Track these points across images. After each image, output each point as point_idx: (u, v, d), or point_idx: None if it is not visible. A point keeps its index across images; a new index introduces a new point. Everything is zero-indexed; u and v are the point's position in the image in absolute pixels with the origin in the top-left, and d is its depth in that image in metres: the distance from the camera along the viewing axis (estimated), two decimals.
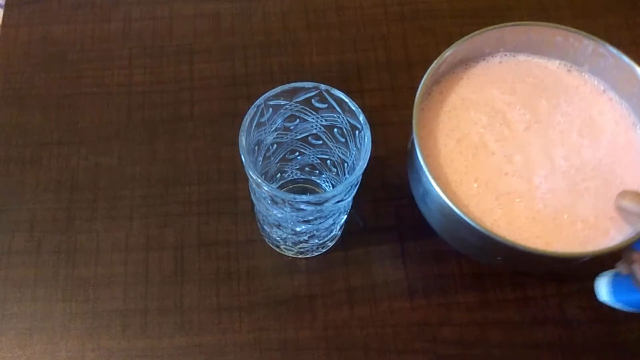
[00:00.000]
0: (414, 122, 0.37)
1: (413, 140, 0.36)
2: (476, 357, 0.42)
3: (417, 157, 0.36)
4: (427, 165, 0.35)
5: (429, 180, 0.35)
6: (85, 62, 0.53)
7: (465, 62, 0.41)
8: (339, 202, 0.37)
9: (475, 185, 0.37)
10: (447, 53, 0.38)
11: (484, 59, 0.41)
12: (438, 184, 0.35)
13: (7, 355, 0.42)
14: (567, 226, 0.36)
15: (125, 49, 0.53)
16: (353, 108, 0.36)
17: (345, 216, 0.43)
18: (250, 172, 0.35)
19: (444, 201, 0.35)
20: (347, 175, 0.41)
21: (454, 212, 0.34)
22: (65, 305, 0.44)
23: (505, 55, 0.41)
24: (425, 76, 0.38)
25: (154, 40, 0.54)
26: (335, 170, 0.43)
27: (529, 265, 0.42)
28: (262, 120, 0.38)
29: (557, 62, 0.41)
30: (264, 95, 0.37)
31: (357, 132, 0.37)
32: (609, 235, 0.36)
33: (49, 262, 0.45)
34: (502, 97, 0.40)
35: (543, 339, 0.43)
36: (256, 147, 0.39)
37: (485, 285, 0.44)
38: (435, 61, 0.38)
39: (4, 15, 0.55)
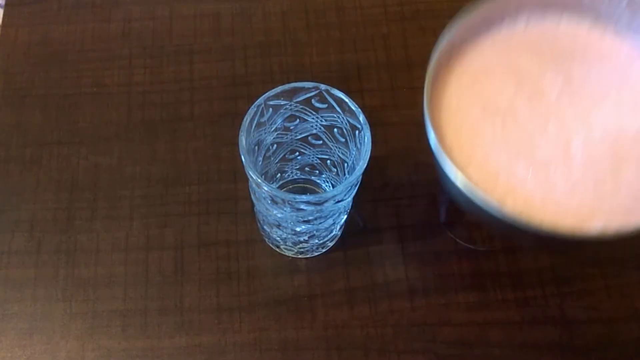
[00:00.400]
0: (425, 96, 0.34)
1: (424, 114, 0.34)
2: (476, 357, 0.42)
3: (428, 132, 0.34)
4: (438, 143, 0.33)
5: (442, 159, 0.33)
6: (85, 62, 0.53)
7: (487, 27, 0.38)
8: (339, 202, 0.37)
9: (505, 157, 0.34)
10: (464, 17, 0.35)
11: (507, 24, 0.38)
12: (452, 163, 0.32)
13: (7, 355, 0.42)
14: (609, 195, 0.33)
15: (125, 49, 0.53)
16: (353, 108, 0.36)
17: (345, 216, 0.43)
18: (250, 172, 0.35)
19: (460, 185, 0.32)
20: (347, 175, 0.41)
21: (474, 196, 0.31)
22: (65, 305, 0.44)
23: (530, 19, 0.38)
24: (441, 40, 0.35)
25: (154, 40, 0.54)
26: (335, 170, 0.43)
27: (568, 244, 0.39)
28: (262, 120, 0.38)
29: (588, 25, 0.38)
30: (264, 95, 0.37)
31: (357, 132, 0.37)
32: None
33: (49, 262, 0.45)
34: (530, 64, 0.37)
35: (543, 339, 0.43)
36: (256, 147, 0.39)
37: (485, 285, 0.44)
38: (450, 26, 0.35)
39: (4, 15, 0.55)
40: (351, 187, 0.36)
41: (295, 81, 0.37)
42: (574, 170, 0.34)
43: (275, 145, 0.41)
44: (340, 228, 0.44)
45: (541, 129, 0.35)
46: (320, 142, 0.41)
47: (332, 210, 0.38)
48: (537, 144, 0.35)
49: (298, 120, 0.40)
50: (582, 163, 0.34)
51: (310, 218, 0.38)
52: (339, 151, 0.41)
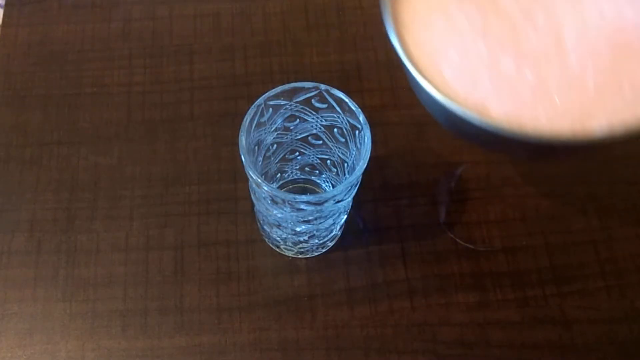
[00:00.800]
0: None
1: (382, 6, 0.30)
2: (476, 357, 0.42)
3: (387, 30, 0.29)
4: (399, 42, 0.29)
5: (406, 61, 0.29)
6: (85, 62, 0.53)
7: None
8: (339, 202, 0.37)
9: (486, 51, 0.30)
10: None
11: None
12: (416, 68, 0.28)
13: (7, 355, 0.42)
14: (611, 91, 0.29)
15: (125, 49, 0.53)
16: (353, 108, 0.36)
17: (345, 216, 0.43)
18: (250, 172, 0.35)
19: (428, 90, 0.28)
20: (347, 175, 0.41)
21: (449, 104, 0.27)
22: (65, 305, 0.44)
23: None
24: None
25: (154, 40, 0.54)
26: (335, 170, 0.43)
27: (568, 154, 0.35)
28: (262, 120, 0.38)
29: None
30: (264, 95, 0.37)
31: (357, 132, 0.37)
32: None
33: (49, 262, 0.45)
34: None
35: (543, 339, 0.43)
36: (256, 147, 0.39)
37: (485, 285, 0.44)
38: None
39: (4, 15, 0.55)
40: (351, 187, 0.36)
41: (295, 81, 0.37)
42: (569, 64, 0.30)
43: (275, 145, 0.41)
44: (340, 228, 0.44)
45: (528, 18, 0.31)
46: (320, 142, 0.41)
47: (332, 210, 0.38)
48: (523, 35, 0.30)
49: (298, 120, 0.40)
50: (578, 55, 0.30)
51: (310, 218, 0.38)
52: (339, 151, 0.41)
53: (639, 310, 0.44)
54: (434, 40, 0.30)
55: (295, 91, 0.37)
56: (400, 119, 0.50)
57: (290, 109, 0.38)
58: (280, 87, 0.37)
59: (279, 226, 0.41)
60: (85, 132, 0.50)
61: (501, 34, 0.30)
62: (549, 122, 0.28)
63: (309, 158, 0.43)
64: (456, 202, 0.48)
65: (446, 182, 0.48)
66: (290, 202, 0.36)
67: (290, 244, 0.44)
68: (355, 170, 0.35)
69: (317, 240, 0.43)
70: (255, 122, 0.37)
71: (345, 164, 0.41)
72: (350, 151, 0.40)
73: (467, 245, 0.46)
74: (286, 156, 0.43)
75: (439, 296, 0.44)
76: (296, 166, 0.44)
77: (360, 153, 0.36)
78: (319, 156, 0.43)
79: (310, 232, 0.41)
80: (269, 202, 0.37)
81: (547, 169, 0.49)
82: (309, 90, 0.37)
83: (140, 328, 0.43)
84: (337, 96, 0.37)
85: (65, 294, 0.44)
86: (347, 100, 0.37)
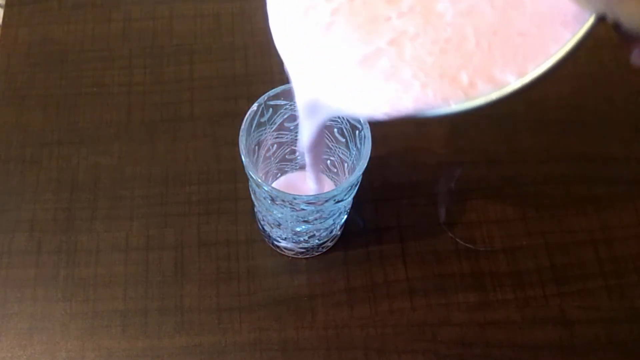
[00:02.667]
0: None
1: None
2: (476, 357, 0.42)
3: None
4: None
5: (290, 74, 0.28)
6: (85, 62, 0.53)
7: None
8: (339, 202, 0.37)
9: (347, 43, 0.28)
10: None
11: None
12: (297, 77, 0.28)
13: (7, 355, 0.42)
14: (499, 45, 0.26)
15: (125, 49, 0.53)
16: None
17: (345, 216, 0.43)
18: (250, 172, 0.35)
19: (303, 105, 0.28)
20: (347, 175, 0.41)
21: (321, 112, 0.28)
22: (65, 305, 0.44)
23: None
24: None
25: (154, 40, 0.54)
26: (335, 170, 0.43)
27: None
28: (262, 120, 0.38)
29: None
30: (264, 95, 0.37)
31: (357, 132, 0.37)
32: (560, 39, 0.25)
33: (49, 262, 0.45)
34: None
35: (543, 339, 0.43)
36: (256, 147, 0.39)
37: (485, 285, 0.44)
38: None
39: (4, 15, 0.55)
40: (351, 187, 0.36)
41: None
42: (441, 30, 0.27)
43: (275, 145, 0.41)
44: (340, 228, 0.44)
45: (387, 1, 0.28)
46: None
47: (332, 210, 0.38)
48: (385, 19, 0.27)
49: (298, 120, 0.40)
50: (455, 18, 0.27)
51: (310, 218, 0.38)
52: (339, 151, 0.41)
53: (639, 310, 0.44)
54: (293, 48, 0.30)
55: None
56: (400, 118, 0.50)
57: (290, 109, 0.38)
58: (280, 87, 0.37)
59: (279, 226, 0.41)
60: (85, 132, 0.50)
61: (367, 20, 0.28)
62: (444, 96, 0.26)
63: None
64: (456, 202, 0.48)
65: (446, 182, 0.48)
66: (290, 202, 0.36)
67: (291, 244, 0.44)
68: (356, 170, 0.35)
69: (317, 240, 0.43)
70: (255, 122, 0.37)
71: (345, 164, 0.41)
72: (350, 151, 0.40)
73: (467, 245, 0.46)
74: (286, 156, 0.43)
75: (439, 296, 0.44)
76: (296, 166, 0.44)
77: (361, 153, 0.36)
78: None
79: (310, 232, 0.41)
80: (269, 202, 0.37)
81: (547, 168, 0.49)
82: None
83: (140, 328, 0.43)
84: None
85: (65, 294, 0.44)
86: None
